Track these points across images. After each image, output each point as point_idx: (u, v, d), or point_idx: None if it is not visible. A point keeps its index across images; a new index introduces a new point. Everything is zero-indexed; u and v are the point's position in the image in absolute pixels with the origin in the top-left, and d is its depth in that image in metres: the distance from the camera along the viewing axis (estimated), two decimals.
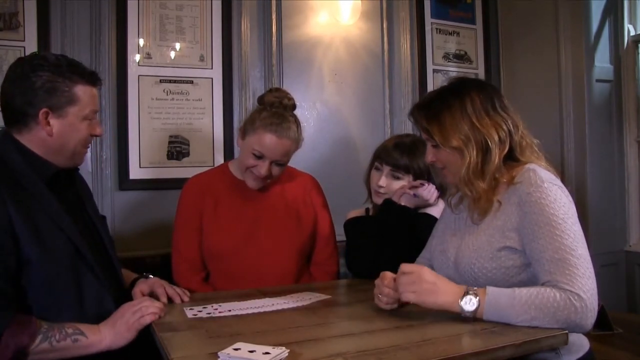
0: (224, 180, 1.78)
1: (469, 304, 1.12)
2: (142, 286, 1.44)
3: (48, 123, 1.27)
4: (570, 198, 1.22)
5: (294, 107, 1.73)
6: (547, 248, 1.14)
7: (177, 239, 1.73)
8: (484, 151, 1.24)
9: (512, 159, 1.27)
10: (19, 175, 1.25)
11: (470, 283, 1.21)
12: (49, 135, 1.28)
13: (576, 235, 1.15)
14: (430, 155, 1.34)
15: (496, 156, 1.23)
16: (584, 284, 1.09)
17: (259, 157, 1.63)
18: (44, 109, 1.26)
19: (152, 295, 1.41)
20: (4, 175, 1.22)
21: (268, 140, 1.61)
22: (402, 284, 1.19)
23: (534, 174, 1.20)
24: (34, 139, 1.29)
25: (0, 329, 1.08)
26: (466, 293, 1.13)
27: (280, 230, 1.73)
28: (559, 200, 1.17)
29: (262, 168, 1.64)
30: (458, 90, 1.30)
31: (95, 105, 1.36)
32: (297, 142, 1.70)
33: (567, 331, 1.10)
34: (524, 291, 1.11)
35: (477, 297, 1.12)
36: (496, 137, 1.24)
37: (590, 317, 1.09)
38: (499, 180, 1.25)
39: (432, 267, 1.38)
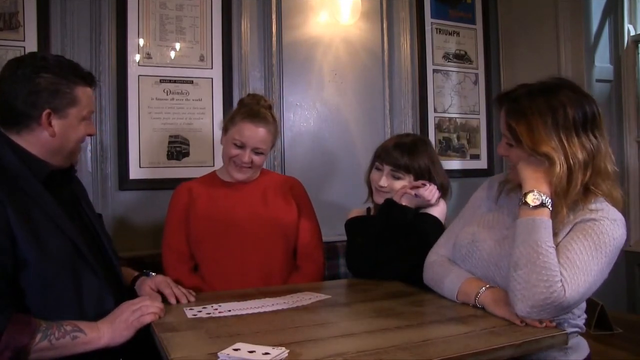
0: (211, 183, 1.88)
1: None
2: (150, 283, 1.45)
3: (50, 124, 1.28)
4: (624, 241, 1.21)
5: (270, 107, 1.87)
6: (574, 250, 1.14)
7: (166, 234, 1.82)
8: (569, 170, 1.17)
9: (585, 185, 1.20)
10: (16, 176, 1.25)
11: (503, 273, 1.22)
12: (51, 136, 1.29)
13: (603, 271, 1.16)
14: (502, 150, 1.31)
15: (579, 179, 1.17)
16: (579, 286, 1.10)
17: (240, 146, 1.77)
18: (47, 110, 1.27)
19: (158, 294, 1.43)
20: (1, 176, 1.22)
21: (246, 129, 1.75)
22: None
23: (613, 210, 1.21)
24: (34, 140, 1.29)
25: (2, 327, 1.08)
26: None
27: (265, 226, 1.79)
28: (618, 240, 1.18)
29: (244, 156, 1.77)
30: (551, 96, 1.21)
31: (93, 105, 1.38)
32: (274, 133, 1.83)
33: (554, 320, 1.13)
34: (549, 248, 1.12)
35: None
36: (582, 158, 1.17)
37: (558, 306, 1.10)
38: (576, 203, 1.21)
39: (448, 261, 1.39)
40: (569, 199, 1.18)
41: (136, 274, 1.53)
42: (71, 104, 1.30)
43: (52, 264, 1.21)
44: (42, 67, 1.27)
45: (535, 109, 1.20)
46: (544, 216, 1.16)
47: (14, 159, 1.26)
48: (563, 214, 1.18)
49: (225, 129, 1.83)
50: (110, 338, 1.20)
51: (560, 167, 1.16)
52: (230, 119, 1.82)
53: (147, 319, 1.23)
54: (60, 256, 1.23)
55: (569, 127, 1.18)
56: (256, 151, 1.78)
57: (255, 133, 1.76)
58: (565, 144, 1.17)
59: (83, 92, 1.32)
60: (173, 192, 1.87)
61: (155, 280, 1.47)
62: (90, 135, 1.40)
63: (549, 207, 1.17)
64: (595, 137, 1.20)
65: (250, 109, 1.79)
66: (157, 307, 1.27)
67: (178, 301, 1.42)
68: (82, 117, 1.33)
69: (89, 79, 1.35)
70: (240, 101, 1.89)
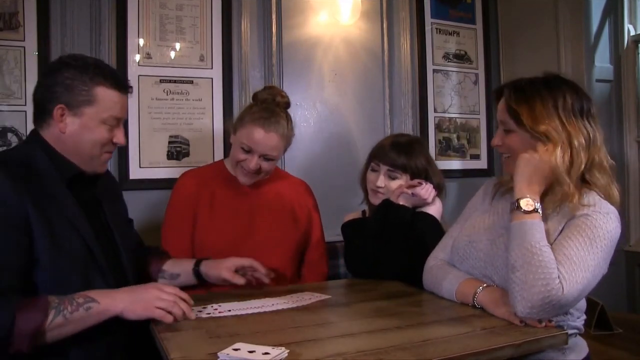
0: (219, 176, 1.79)
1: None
2: (228, 264, 1.47)
3: (62, 120, 1.29)
4: (619, 234, 1.20)
5: (287, 104, 1.75)
6: (570, 247, 1.14)
7: (167, 231, 1.74)
8: (570, 151, 1.20)
9: (582, 175, 1.23)
10: (41, 174, 1.25)
11: (500, 272, 1.23)
12: (61, 132, 1.29)
13: (600, 265, 1.15)
14: (497, 139, 1.33)
15: (582, 161, 1.20)
16: (577, 282, 1.10)
17: (248, 151, 1.66)
18: (60, 105, 1.28)
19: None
20: (25, 173, 1.23)
21: (256, 134, 1.63)
22: None
23: (605, 204, 1.20)
24: (51, 136, 1.30)
25: (11, 315, 1.06)
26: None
27: (275, 227, 1.74)
28: (612, 233, 1.17)
29: (251, 162, 1.66)
30: (552, 85, 1.26)
31: (119, 111, 1.35)
32: (286, 138, 1.71)
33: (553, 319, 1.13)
34: (544, 247, 1.12)
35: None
36: (582, 141, 1.21)
37: (557, 304, 1.09)
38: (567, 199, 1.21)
39: (447, 264, 1.40)
40: (573, 176, 1.20)
41: (194, 260, 1.54)
42: (87, 102, 1.29)
43: (65, 265, 1.21)
44: (68, 65, 1.29)
45: (537, 94, 1.25)
46: (536, 219, 1.17)
47: (42, 157, 1.28)
48: (571, 192, 1.18)
49: (234, 129, 1.71)
50: (125, 307, 1.17)
51: (562, 147, 1.19)
52: (240, 119, 1.70)
53: (168, 320, 1.17)
54: (74, 258, 1.23)
55: (569, 111, 1.23)
56: (266, 157, 1.67)
57: (265, 139, 1.63)
58: (567, 125, 1.21)
59: (105, 94, 1.31)
60: (177, 184, 1.79)
61: (234, 260, 1.48)
62: (116, 144, 1.37)
63: (540, 212, 1.18)
64: (591, 126, 1.24)
65: (263, 109, 1.66)
66: (187, 309, 1.21)
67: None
68: (101, 119, 1.31)
69: (116, 82, 1.33)
70: (255, 96, 1.76)
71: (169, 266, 1.57)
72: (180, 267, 1.55)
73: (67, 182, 1.29)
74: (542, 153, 1.21)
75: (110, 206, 1.45)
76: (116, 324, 1.20)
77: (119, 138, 1.36)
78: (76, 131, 1.30)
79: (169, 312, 1.18)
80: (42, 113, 1.30)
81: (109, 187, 1.50)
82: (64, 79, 1.28)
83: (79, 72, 1.29)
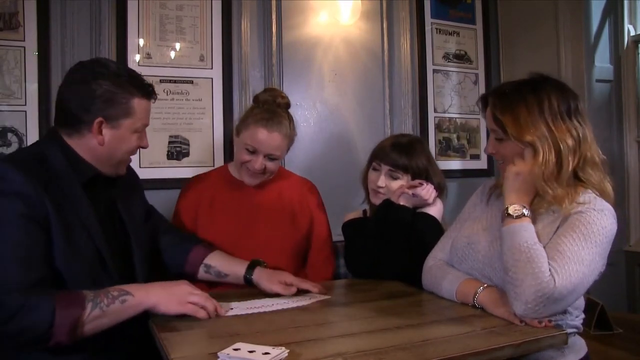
0: (222, 179, 1.82)
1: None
2: (279, 278, 1.46)
3: (100, 132, 1.28)
4: (615, 231, 1.20)
5: (287, 105, 1.78)
6: (564, 243, 1.14)
7: None
8: (558, 155, 1.21)
9: (575, 174, 1.24)
10: (59, 174, 1.25)
11: (499, 274, 1.24)
12: (99, 144, 1.29)
13: (596, 261, 1.15)
14: (490, 147, 1.34)
15: (570, 163, 1.21)
16: (570, 275, 1.10)
17: (252, 152, 1.69)
18: (99, 119, 1.27)
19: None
20: (44, 172, 1.23)
21: (259, 135, 1.66)
22: None
23: (600, 201, 1.21)
24: (82, 145, 1.30)
25: (51, 308, 1.08)
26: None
27: (274, 228, 1.75)
28: (607, 229, 1.18)
29: (256, 163, 1.68)
30: (537, 88, 1.26)
31: (148, 119, 1.37)
32: (289, 137, 1.73)
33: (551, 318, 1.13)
34: (533, 245, 1.14)
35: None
36: (571, 143, 1.21)
37: (551, 298, 1.09)
38: (564, 198, 1.21)
39: (446, 264, 1.41)
40: (561, 182, 1.20)
41: (246, 264, 1.52)
42: (125, 115, 1.30)
43: (76, 266, 1.21)
44: (101, 74, 1.28)
45: (521, 100, 1.25)
46: (524, 222, 1.19)
47: (61, 158, 1.27)
48: (560, 195, 1.19)
49: (237, 131, 1.75)
50: (158, 301, 1.18)
51: (543, 156, 1.20)
52: (242, 121, 1.73)
53: (201, 314, 1.20)
54: (84, 259, 1.23)
55: (555, 114, 1.23)
56: (270, 157, 1.70)
57: (269, 139, 1.66)
58: (553, 129, 1.21)
59: (139, 104, 1.32)
60: (182, 190, 1.84)
61: (286, 276, 1.47)
62: (142, 147, 1.39)
63: (529, 216, 1.20)
64: (580, 124, 1.24)
65: (265, 110, 1.69)
66: (218, 304, 1.24)
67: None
68: (135, 129, 1.33)
69: (147, 92, 1.34)
70: (256, 98, 1.79)
71: (217, 262, 1.56)
72: (230, 269, 1.54)
73: (83, 184, 1.29)
74: (528, 161, 1.22)
75: (126, 203, 1.44)
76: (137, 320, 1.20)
77: (145, 143, 1.39)
78: (112, 142, 1.31)
79: (202, 308, 1.20)
80: (75, 123, 1.28)
81: (126, 183, 1.50)
82: (103, 91, 1.26)
83: (115, 83, 1.28)
